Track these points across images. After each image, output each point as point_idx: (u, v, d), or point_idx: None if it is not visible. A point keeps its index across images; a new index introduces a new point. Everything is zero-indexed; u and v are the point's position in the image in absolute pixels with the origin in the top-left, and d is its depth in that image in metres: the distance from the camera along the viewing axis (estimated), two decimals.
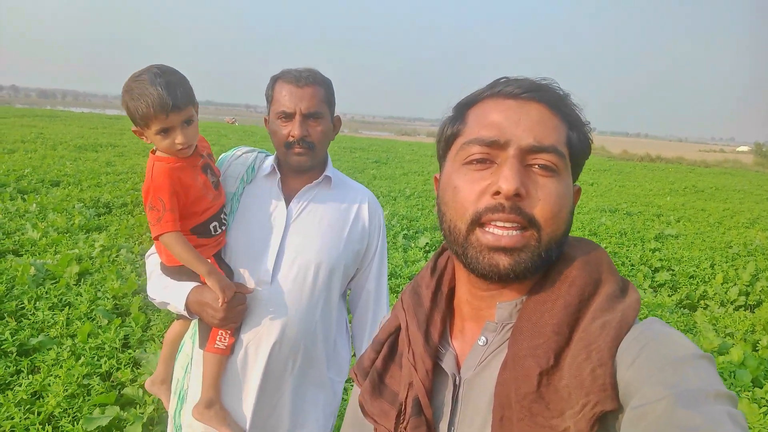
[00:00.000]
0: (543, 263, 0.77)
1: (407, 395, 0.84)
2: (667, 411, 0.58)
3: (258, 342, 1.59)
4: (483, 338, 0.82)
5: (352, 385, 3.34)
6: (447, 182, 0.83)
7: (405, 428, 0.83)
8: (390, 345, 0.92)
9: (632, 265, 7.09)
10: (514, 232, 0.75)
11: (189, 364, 1.67)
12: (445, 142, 0.87)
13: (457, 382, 0.83)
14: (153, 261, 1.67)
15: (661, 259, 7.39)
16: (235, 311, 1.53)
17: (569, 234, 0.82)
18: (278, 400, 1.63)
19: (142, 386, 3.22)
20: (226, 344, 1.57)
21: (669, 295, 6.01)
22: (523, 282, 0.81)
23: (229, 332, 1.57)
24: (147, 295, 1.67)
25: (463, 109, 0.85)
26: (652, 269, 7.04)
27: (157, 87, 1.37)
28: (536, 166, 0.77)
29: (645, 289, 6.14)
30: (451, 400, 0.83)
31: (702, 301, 6.00)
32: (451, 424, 0.82)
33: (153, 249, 1.68)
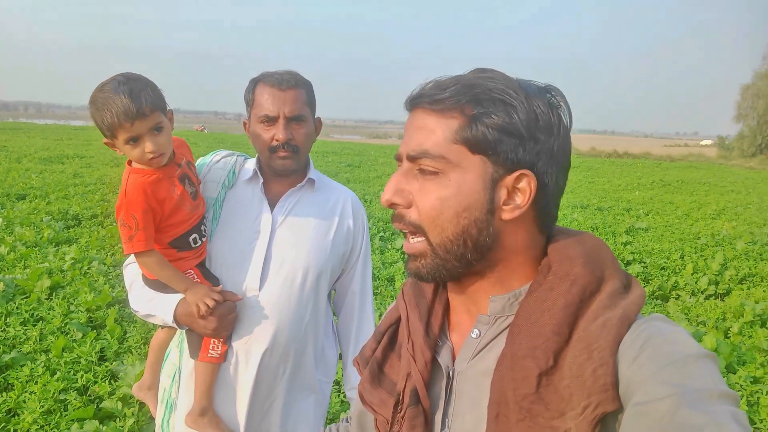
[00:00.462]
0: (455, 265, 0.78)
1: (405, 385, 0.84)
2: (670, 410, 0.58)
3: (248, 349, 1.57)
4: (476, 331, 0.83)
5: (339, 387, 3.33)
6: None
7: (402, 418, 0.83)
8: (390, 335, 0.93)
9: None
10: (412, 239, 0.80)
11: (176, 373, 1.64)
12: None
13: (451, 374, 0.83)
14: (132, 271, 1.63)
15: (632, 252, 7.54)
16: (226, 320, 1.51)
17: (481, 230, 0.77)
18: (270, 406, 1.62)
19: (120, 399, 3.16)
20: (219, 352, 1.56)
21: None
22: (511, 275, 0.81)
23: (221, 340, 1.56)
24: (123, 307, 1.62)
25: None
26: (625, 262, 7.18)
27: (121, 95, 1.33)
28: (420, 172, 0.78)
29: None
30: (445, 392, 0.83)
31: (674, 292, 6.15)
32: (445, 415, 0.83)
33: (131, 258, 1.64)
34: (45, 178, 11.26)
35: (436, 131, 0.76)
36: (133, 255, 1.53)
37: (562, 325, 0.71)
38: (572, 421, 0.65)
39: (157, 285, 1.55)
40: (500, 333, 0.80)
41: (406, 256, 0.84)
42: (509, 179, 0.76)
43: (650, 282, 6.36)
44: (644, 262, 7.13)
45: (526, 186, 0.76)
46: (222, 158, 1.69)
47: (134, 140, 1.39)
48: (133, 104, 1.33)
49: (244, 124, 1.66)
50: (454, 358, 0.85)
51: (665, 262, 7.08)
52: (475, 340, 0.82)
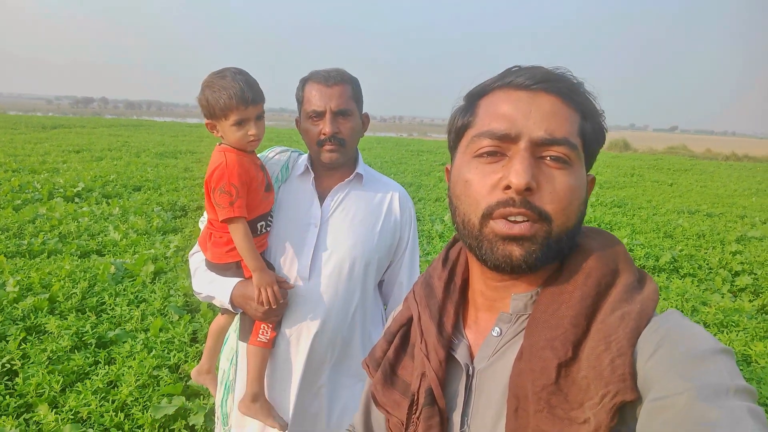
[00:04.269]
0: (554, 254, 0.76)
1: (420, 385, 0.84)
2: (687, 405, 0.58)
3: (299, 335, 1.65)
4: (497, 329, 0.82)
5: None
6: (458, 175, 0.82)
7: (417, 418, 0.83)
8: (402, 336, 0.93)
9: (710, 269, 6.71)
10: (526, 222, 0.74)
11: (234, 356, 1.75)
12: (456, 133, 0.86)
13: (471, 373, 0.83)
14: (197, 259, 1.76)
15: (742, 263, 6.95)
16: (277, 306, 1.59)
17: (582, 224, 0.81)
18: (318, 390, 1.69)
19: None
20: (268, 338, 1.64)
21: (750, 301, 5.66)
22: (537, 273, 0.80)
23: (270, 326, 1.64)
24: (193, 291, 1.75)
25: (473, 99, 0.84)
26: (732, 273, 6.65)
27: (239, 82, 1.52)
28: (548, 159, 0.75)
29: (723, 294, 5.80)
30: (464, 391, 0.83)
31: None
32: (464, 414, 0.82)
33: (196, 248, 1.77)
34: (159, 171, 12.12)
35: (571, 121, 0.77)
36: (198, 245, 1.65)
37: (579, 316, 0.71)
38: (590, 411, 0.65)
39: (218, 269, 1.66)
40: (521, 331, 0.80)
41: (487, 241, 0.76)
42: (589, 179, 0.81)
43: (761, 295, 5.85)
44: (755, 274, 6.56)
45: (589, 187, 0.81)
46: (276, 154, 1.79)
47: (240, 123, 1.54)
48: (249, 91, 1.51)
49: (296, 121, 1.74)
50: (472, 356, 0.85)
51: None
52: (496, 339, 0.82)
